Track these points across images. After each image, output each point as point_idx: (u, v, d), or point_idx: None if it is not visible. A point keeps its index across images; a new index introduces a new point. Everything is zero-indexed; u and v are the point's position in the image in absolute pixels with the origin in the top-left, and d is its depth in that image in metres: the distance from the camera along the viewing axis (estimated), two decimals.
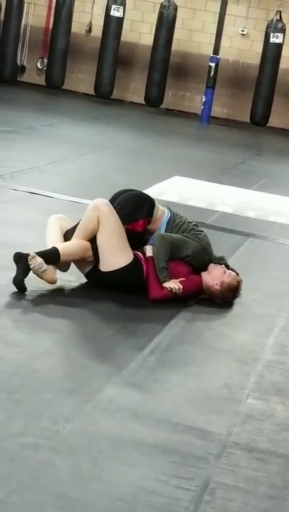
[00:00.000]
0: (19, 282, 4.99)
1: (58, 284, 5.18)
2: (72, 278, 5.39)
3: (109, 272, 5.21)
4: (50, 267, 5.09)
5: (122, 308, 5.13)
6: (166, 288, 5.24)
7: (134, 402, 3.85)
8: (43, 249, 5.19)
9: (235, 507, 3.13)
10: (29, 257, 5.00)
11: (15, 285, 4.99)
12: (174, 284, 5.24)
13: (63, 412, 3.61)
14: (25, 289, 5.00)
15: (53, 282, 5.13)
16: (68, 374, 4.05)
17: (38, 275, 5.05)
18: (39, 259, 5.02)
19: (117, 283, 5.25)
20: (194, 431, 3.66)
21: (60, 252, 5.12)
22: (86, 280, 5.39)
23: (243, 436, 3.69)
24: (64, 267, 5.29)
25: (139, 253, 5.35)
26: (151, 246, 5.35)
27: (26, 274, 5.01)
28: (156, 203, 5.54)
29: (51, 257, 5.10)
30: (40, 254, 5.07)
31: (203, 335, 4.95)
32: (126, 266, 5.21)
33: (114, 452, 3.37)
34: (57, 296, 5.11)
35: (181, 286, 5.25)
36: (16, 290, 4.98)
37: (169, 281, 5.25)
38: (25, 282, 5.01)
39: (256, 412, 3.97)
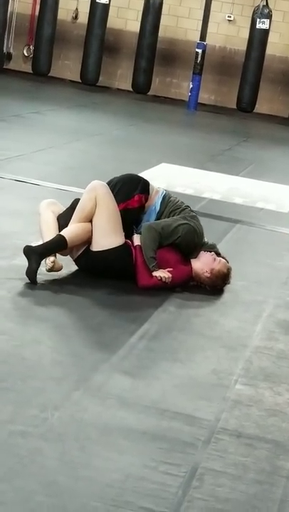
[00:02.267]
0: (32, 276, 5.01)
1: (46, 272, 5.17)
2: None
3: (100, 251, 5.21)
4: (54, 258, 5.15)
5: (110, 295, 5.14)
6: (155, 276, 5.24)
7: (122, 389, 3.86)
8: (36, 235, 5.20)
9: (224, 492, 3.15)
10: (48, 262, 5.08)
11: (28, 277, 5.01)
12: (163, 273, 5.25)
13: (52, 400, 3.62)
14: (36, 282, 5.03)
15: (60, 269, 5.20)
16: (57, 362, 4.05)
17: (49, 271, 5.13)
18: (51, 258, 5.10)
19: (106, 264, 5.25)
20: (182, 417, 3.67)
21: (68, 240, 5.13)
22: (75, 268, 5.39)
23: (232, 422, 3.71)
24: (65, 252, 5.31)
25: (128, 240, 5.35)
26: (138, 235, 5.36)
27: (38, 266, 5.04)
28: (150, 183, 5.60)
29: (59, 246, 5.14)
30: (48, 245, 5.10)
31: (192, 321, 4.96)
32: (116, 247, 5.22)
33: (102, 439, 3.38)
34: (45, 283, 5.10)
35: (170, 275, 5.25)
36: (29, 281, 5.02)
37: (158, 271, 5.26)
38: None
39: (244, 397, 3.99)
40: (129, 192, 5.43)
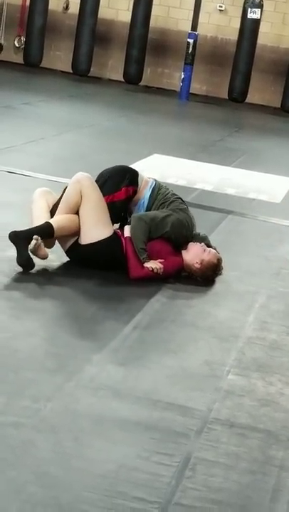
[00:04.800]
0: (27, 260, 5.04)
1: (39, 264, 5.17)
2: (53, 257, 5.38)
3: (90, 244, 5.21)
4: (41, 243, 5.14)
5: (103, 286, 5.14)
6: (146, 267, 5.24)
7: (115, 380, 3.86)
8: (27, 226, 5.20)
9: (217, 482, 3.16)
10: (34, 238, 5.04)
11: (22, 264, 5.03)
12: (154, 264, 5.25)
13: (44, 391, 3.62)
14: (33, 265, 5.06)
15: (46, 257, 5.19)
16: (49, 353, 4.05)
17: (34, 254, 5.09)
18: (39, 239, 5.07)
19: (97, 256, 5.24)
20: (175, 407, 3.68)
21: (55, 229, 5.13)
22: (67, 259, 5.39)
23: (224, 412, 3.72)
24: (50, 243, 5.30)
25: (118, 230, 5.36)
26: (129, 226, 5.36)
27: (28, 252, 5.07)
28: (139, 173, 5.58)
29: (46, 233, 5.15)
30: (35, 230, 5.11)
31: (184, 312, 4.96)
32: (106, 238, 5.22)
33: (95, 430, 3.38)
34: (38, 275, 5.10)
35: (162, 266, 5.26)
36: (23, 269, 5.03)
37: (149, 262, 5.26)
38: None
39: (237, 388, 4.00)
40: (117, 184, 5.43)
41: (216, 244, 5.67)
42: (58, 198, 5.38)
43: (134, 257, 5.26)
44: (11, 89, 14.10)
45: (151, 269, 5.23)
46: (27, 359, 3.94)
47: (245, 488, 3.16)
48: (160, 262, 5.27)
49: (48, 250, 5.24)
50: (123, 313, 4.75)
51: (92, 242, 5.21)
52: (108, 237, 5.24)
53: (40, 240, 5.08)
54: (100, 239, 5.22)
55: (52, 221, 5.18)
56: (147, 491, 3.01)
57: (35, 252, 5.09)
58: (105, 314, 4.71)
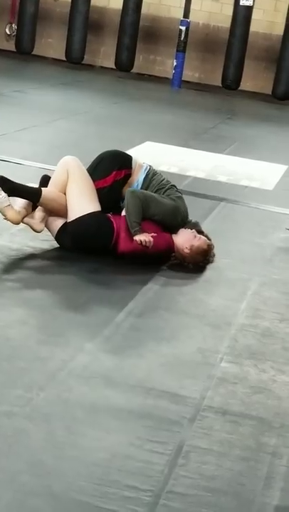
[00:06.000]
0: None
1: (30, 252, 5.17)
2: (45, 246, 5.37)
3: (76, 220, 5.22)
4: (17, 207, 5.16)
5: (95, 274, 5.13)
6: (136, 241, 5.21)
7: (108, 368, 3.86)
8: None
9: (210, 470, 3.16)
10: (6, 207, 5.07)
11: None
12: (144, 237, 5.22)
13: (37, 380, 3.61)
14: None
15: (15, 222, 5.21)
16: (41, 342, 4.04)
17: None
18: (3, 193, 5.08)
19: (85, 234, 5.24)
20: (168, 395, 3.68)
21: (42, 196, 5.19)
22: (58, 247, 5.38)
23: (217, 400, 3.72)
24: (39, 224, 5.29)
25: (111, 215, 5.36)
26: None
27: None
28: (133, 157, 5.60)
29: (32, 195, 5.21)
30: (23, 186, 5.20)
31: (177, 300, 4.96)
32: (91, 213, 5.25)
33: (88, 418, 3.38)
34: (29, 264, 5.09)
35: (151, 239, 5.23)
36: None
37: (139, 235, 5.23)
38: None
39: (229, 375, 4.00)
40: (107, 169, 5.44)
41: (208, 231, 5.66)
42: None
43: (126, 232, 5.24)
44: (3, 77, 14.03)
45: (139, 241, 5.20)
46: (19, 348, 3.93)
47: (238, 475, 3.16)
48: (151, 236, 5.25)
49: (34, 241, 5.23)
50: (116, 301, 4.74)
51: (77, 216, 5.22)
52: (93, 212, 5.26)
53: (2, 195, 5.08)
54: (84, 213, 5.23)
55: (42, 189, 5.27)
56: (140, 479, 3.01)
57: (0, 207, 5.11)
58: (98, 302, 4.70)
